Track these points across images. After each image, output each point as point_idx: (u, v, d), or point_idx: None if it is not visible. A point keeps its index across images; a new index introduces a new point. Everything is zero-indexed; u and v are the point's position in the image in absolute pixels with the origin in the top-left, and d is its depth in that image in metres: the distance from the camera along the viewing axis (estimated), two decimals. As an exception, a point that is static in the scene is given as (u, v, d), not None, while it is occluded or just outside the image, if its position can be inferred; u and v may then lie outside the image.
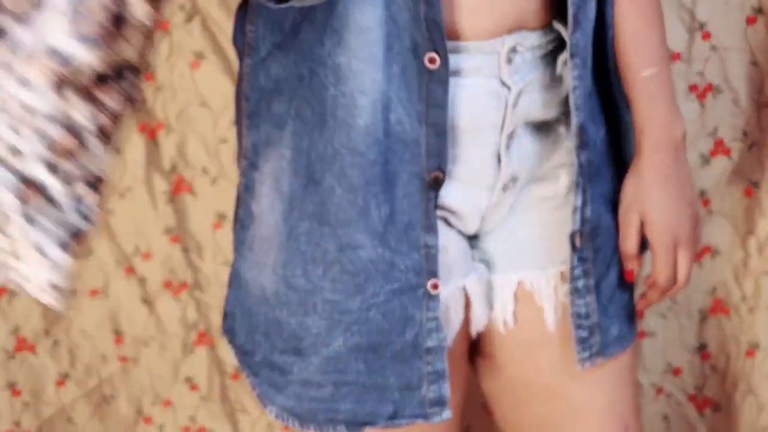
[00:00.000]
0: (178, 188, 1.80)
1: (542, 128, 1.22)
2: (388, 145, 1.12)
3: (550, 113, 1.22)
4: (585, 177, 1.20)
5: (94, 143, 0.96)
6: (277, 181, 1.16)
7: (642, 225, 1.24)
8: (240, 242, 1.21)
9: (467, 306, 1.23)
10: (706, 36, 1.70)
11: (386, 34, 1.09)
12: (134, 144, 1.77)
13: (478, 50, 1.14)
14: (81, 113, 0.95)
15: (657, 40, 1.25)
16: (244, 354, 1.22)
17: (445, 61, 1.10)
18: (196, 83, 1.75)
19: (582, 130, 1.19)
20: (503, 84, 1.16)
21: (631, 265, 1.25)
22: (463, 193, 1.19)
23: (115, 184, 1.78)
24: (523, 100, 1.17)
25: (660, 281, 1.25)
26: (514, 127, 1.18)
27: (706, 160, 1.73)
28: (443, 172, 1.14)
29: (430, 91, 1.11)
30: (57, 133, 0.94)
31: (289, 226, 1.15)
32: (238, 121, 1.22)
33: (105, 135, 0.97)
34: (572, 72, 1.17)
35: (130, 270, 1.82)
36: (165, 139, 1.78)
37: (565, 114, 1.22)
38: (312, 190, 1.14)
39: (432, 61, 1.10)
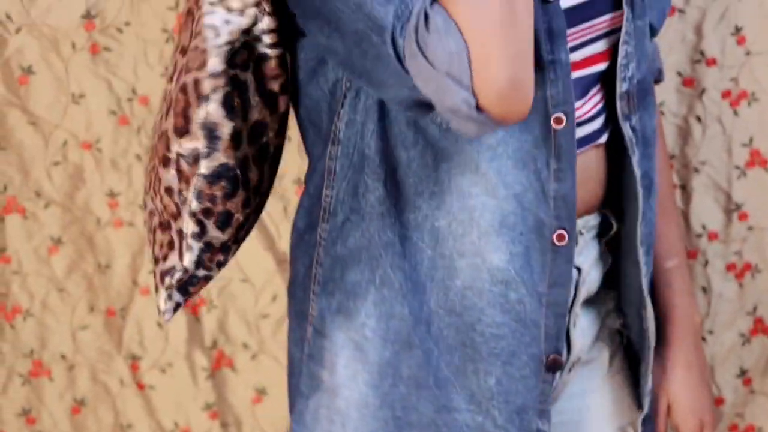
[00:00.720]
0: (219, 364, 1.81)
1: (589, 304, 1.25)
2: (504, 321, 1.12)
3: (595, 290, 1.25)
4: (651, 359, 1.25)
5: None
6: (359, 350, 1.15)
7: (669, 409, 1.27)
8: (299, 412, 1.19)
9: None
10: (743, 216, 1.73)
11: (508, 213, 1.10)
12: (176, 320, 1.79)
13: None
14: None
15: (677, 233, 1.32)
16: None
17: (572, 238, 1.12)
18: (238, 259, 1.77)
19: (645, 311, 1.23)
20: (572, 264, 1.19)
21: None
22: None
23: (156, 359, 1.80)
24: (587, 279, 1.20)
25: None
26: (579, 307, 1.21)
27: (746, 339, 1.74)
28: (560, 354, 1.14)
29: (553, 269, 1.12)
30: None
31: (381, 393, 1.14)
32: (299, 285, 1.21)
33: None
34: (643, 258, 1.20)
35: (169, 446, 1.82)
36: (206, 315, 1.80)
37: (597, 292, 1.25)
38: (407, 354, 1.13)
39: (561, 238, 1.12)
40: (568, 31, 1.10)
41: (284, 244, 1.77)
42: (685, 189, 1.73)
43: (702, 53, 1.69)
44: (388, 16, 0.99)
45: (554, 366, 1.14)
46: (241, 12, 1.07)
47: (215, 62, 1.07)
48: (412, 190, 1.11)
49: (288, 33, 1.12)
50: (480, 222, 1.10)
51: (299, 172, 1.74)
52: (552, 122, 1.09)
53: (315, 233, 1.17)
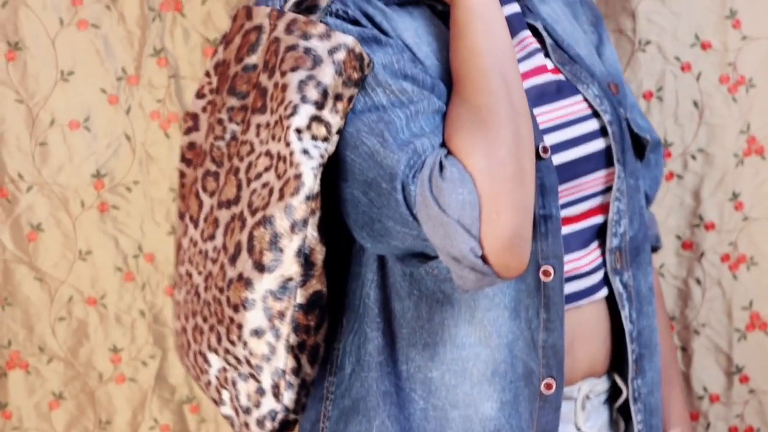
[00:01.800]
0: None
1: None
2: None
3: None
4: None
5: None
6: None
7: None
8: None
9: None
10: (744, 379, 1.73)
11: (500, 362, 1.11)
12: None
13: None
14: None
15: (680, 400, 1.33)
16: None
17: (560, 386, 1.12)
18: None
19: None
20: (579, 430, 1.18)
21: None
22: None
23: None
24: None
25: None
26: None
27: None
28: None
29: (541, 417, 1.12)
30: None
31: None
32: None
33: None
34: (636, 417, 1.20)
35: None
36: (206, 472, 1.79)
37: None
38: None
39: (548, 387, 1.12)
40: (563, 186, 1.13)
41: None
42: (685, 351, 1.74)
43: (701, 217, 1.71)
44: (400, 164, 1.02)
45: None
46: (326, 139, 1.05)
47: (313, 183, 1.05)
48: (405, 341, 1.12)
49: None
50: (473, 372, 1.11)
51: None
52: (540, 274, 1.11)
53: (322, 387, 1.17)
